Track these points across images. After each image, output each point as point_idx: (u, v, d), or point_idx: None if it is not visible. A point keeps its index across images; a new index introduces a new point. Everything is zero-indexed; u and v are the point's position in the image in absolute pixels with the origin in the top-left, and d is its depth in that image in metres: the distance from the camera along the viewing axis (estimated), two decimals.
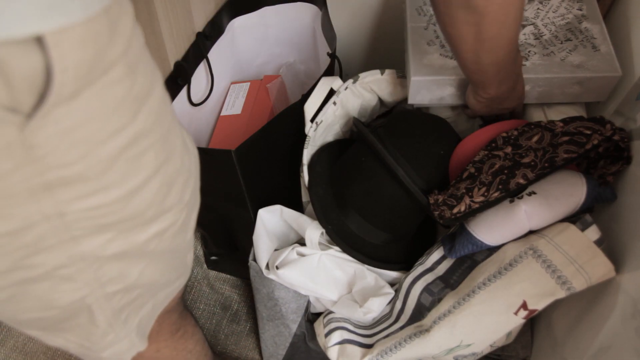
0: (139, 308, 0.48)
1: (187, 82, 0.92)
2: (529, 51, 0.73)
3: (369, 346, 0.71)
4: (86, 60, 0.28)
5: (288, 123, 0.82)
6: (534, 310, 0.58)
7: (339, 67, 1.00)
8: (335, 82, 0.81)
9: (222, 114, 1.06)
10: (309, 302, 0.82)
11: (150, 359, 0.65)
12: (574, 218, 0.60)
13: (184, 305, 0.69)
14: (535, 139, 0.62)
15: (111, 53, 0.29)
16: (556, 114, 0.76)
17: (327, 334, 0.74)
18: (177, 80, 0.90)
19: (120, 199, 0.35)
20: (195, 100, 0.96)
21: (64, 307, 0.40)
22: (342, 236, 0.76)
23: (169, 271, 0.50)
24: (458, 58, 0.63)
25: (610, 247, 0.59)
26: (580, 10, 0.75)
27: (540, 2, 0.78)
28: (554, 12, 0.75)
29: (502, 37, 0.57)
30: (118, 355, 0.50)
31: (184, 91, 0.93)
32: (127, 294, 0.44)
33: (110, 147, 0.32)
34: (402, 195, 0.73)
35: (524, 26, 0.75)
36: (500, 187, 0.61)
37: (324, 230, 0.76)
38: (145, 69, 0.34)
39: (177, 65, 0.90)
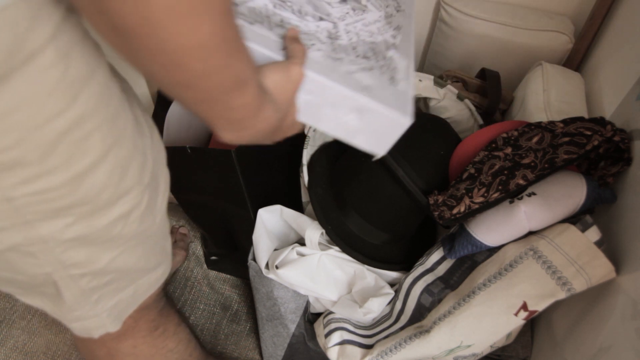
0: (116, 292, 0.49)
1: None
2: (314, 44, 0.52)
3: (369, 346, 0.71)
4: (3, 47, 0.28)
5: None
6: (534, 311, 0.58)
7: None
8: None
9: None
10: (308, 303, 0.82)
11: (128, 355, 0.65)
12: (575, 219, 0.59)
13: (166, 304, 0.69)
14: (535, 139, 0.62)
15: (34, 38, 0.29)
16: (557, 114, 0.76)
17: (327, 335, 0.74)
18: None
19: (67, 182, 0.35)
20: None
21: (31, 275, 0.42)
22: (342, 236, 0.76)
23: (146, 257, 0.50)
24: None
25: (611, 248, 0.58)
26: (394, 38, 0.60)
27: (354, 9, 0.60)
28: (364, 25, 0.59)
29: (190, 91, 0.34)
30: (86, 331, 0.51)
31: None
32: (98, 278, 0.45)
33: (49, 131, 0.32)
34: (402, 196, 0.73)
35: (321, 19, 0.56)
36: (500, 187, 0.61)
37: (323, 230, 0.76)
38: (82, 53, 0.34)
39: None
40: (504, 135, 0.65)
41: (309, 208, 0.84)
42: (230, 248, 1.04)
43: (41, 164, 0.33)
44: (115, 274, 0.47)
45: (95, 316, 0.49)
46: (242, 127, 0.40)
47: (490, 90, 0.86)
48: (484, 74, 0.91)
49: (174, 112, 0.90)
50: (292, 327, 0.82)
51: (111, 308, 0.50)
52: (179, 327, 0.72)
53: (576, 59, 0.94)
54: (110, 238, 0.42)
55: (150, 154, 0.45)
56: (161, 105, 0.87)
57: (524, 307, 0.58)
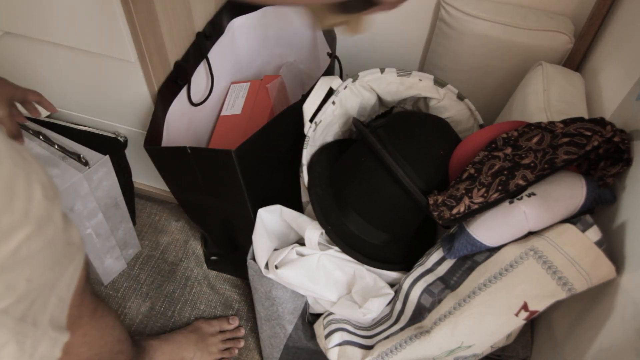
0: (44, 306, 0.49)
1: (187, 82, 0.92)
2: None
3: (369, 347, 0.71)
4: None
5: (288, 123, 0.82)
6: (534, 312, 0.58)
7: (339, 67, 1.00)
8: (334, 81, 0.81)
9: (222, 114, 1.06)
10: (306, 304, 0.82)
11: (80, 345, 0.65)
12: (575, 219, 0.59)
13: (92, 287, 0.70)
14: (535, 140, 0.62)
15: None
16: (557, 115, 0.76)
17: (327, 335, 0.74)
18: (177, 80, 0.90)
19: None
20: (195, 100, 0.96)
21: None
22: (341, 236, 0.76)
23: (56, 263, 0.51)
24: None
25: (611, 248, 0.59)
26: None
27: None
28: None
29: None
30: (47, 358, 0.51)
31: (184, 91, 0.93)
32: (23, 302, 0.45)
33: None
34: (401, 196, 0.73)
35: None
36: (499, 188, 0.61)
37: (323, 231, 0.76)
38: None
39: (177, 65, 0.90)
40: (504, 135, 0.65)
41: (309, 208, 0.84)
42: (230, 248, 1.04)
43: None
44: (35, 291, 0.47)
45: (43, 336, 0.49)
46: None
47: None
48: None
49: (174, 112, 0.90)
50: (290, 328, 0.82)
51: (50, 321, 0.50)
52: (107, 304, 0.74)
53: (576, 59, 0.94)
54: (20, 260, 0.43)
55: (33, 166, 0.46)
56: (161, 105, 0.87)
57: (525, 307, 0.58)
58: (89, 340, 0.66)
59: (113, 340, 0.73)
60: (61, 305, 0.54)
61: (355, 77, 0.82)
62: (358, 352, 0.71)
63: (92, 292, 0.68)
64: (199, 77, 0.97)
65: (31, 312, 0.47)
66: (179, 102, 0.92)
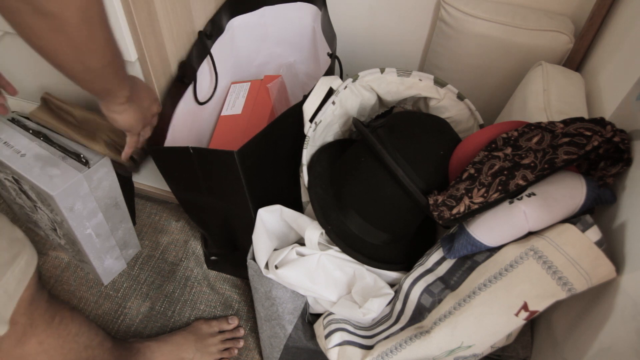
0: None
1: (194, 80, 0.92)
2: None
3: (369, 347, 0.71)
4: None
5: (290, 124, 0.82)
6: (534, 312, 0.58)
7: (339, 67, 1.00)
8: (334, 81, 0.81)
9: (222, 114, 1.06)
10: (306, 304, 0.82)
11: (38, 354, 0.65)
12: (575, 219, 0.59)
13: (51, 294, 0.70)
14: (535, 140, 0.62)
15: None
16: (557, 115, 0.76)
17: (327, 336, 0.74)
18: (183, 80, 0.90)
19: None
20: (199, 99, 0.96)
21: None
22: (341, 236, 0.76)
23: None
24: (68, 73, 0.54)
25: (611, 248, 0.59)
26: None
27: None
28: None
29: (98, 37, 0.50)
30: None
31: (188, 90, 0.93)
32: None
33: None
34: (401, 196, 0.73)
35: None
36: (499, 188, 0.61)
37: (323, 231, 0.76)
38: None
39: (183, 63, 0.90)
40: (504, 135, 0.65)
41: (309, 208, 0.84)
42: (230, 248, 1.04)
43: None
44: None
45: None
46: (125, 81, 0.61)
47: None
48: None
49: (180, 111, 0.90)
50: (290, 328, 0.82)
51: None
52: (74, 312, 0.73)
53: (576, 59, 0.94)
54: None
55: None
56: (170, 104, 0.87)
57: (525, 307, 0.58)
58: (46, 348, 0.66)
59: (78, 348, 0.72)
60: (6, 298, 0.55)
61: (355, 77, 0.82)
62: (358, 352, 0.71)
63: (50, 300, 0.67)
64: (202, 76, 0.97)
65: None
66: (184, 102, 0.92)
